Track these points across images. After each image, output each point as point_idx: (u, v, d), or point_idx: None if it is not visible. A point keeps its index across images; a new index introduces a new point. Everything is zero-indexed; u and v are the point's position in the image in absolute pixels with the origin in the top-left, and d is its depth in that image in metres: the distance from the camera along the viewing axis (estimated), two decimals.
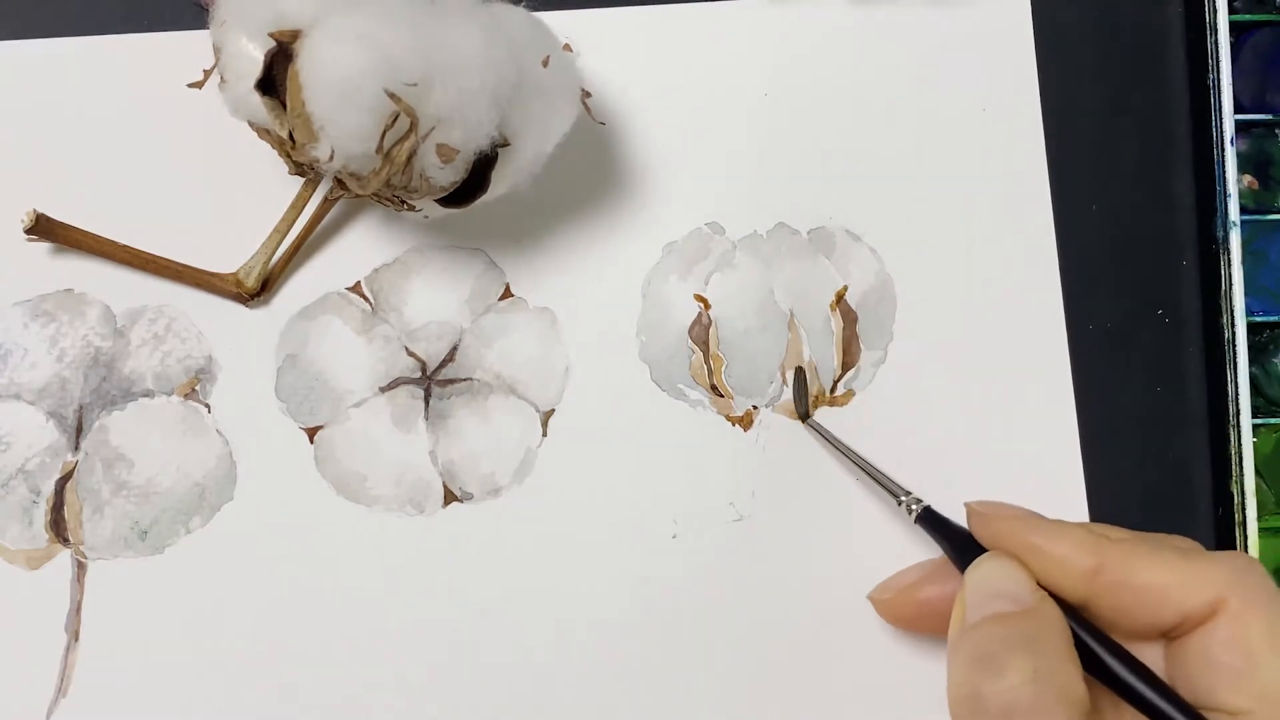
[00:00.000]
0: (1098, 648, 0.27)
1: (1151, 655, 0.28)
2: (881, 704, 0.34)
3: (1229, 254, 0.36)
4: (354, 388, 0.35)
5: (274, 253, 0.34)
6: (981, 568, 0.29)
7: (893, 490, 0.32)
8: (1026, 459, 0.35)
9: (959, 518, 0.31)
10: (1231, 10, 0.37)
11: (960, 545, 0.30)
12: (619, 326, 0.36)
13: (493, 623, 0.34)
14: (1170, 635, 0.27)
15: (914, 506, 0.32)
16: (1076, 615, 0.27)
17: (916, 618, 0.32)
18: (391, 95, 0.28)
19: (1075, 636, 0.27)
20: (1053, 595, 0.28)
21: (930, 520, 0.31)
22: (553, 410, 0.35)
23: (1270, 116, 0.37)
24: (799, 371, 0.35)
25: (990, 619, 0.27)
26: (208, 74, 0.33)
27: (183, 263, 0.35)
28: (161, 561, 0.34)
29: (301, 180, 0.33)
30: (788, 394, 0.35)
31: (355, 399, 0.35)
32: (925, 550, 0.34)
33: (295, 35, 0.29)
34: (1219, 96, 0.36)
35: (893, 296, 0.36)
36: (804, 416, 0.35)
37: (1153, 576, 0.27)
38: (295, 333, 0.35)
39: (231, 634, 0.33)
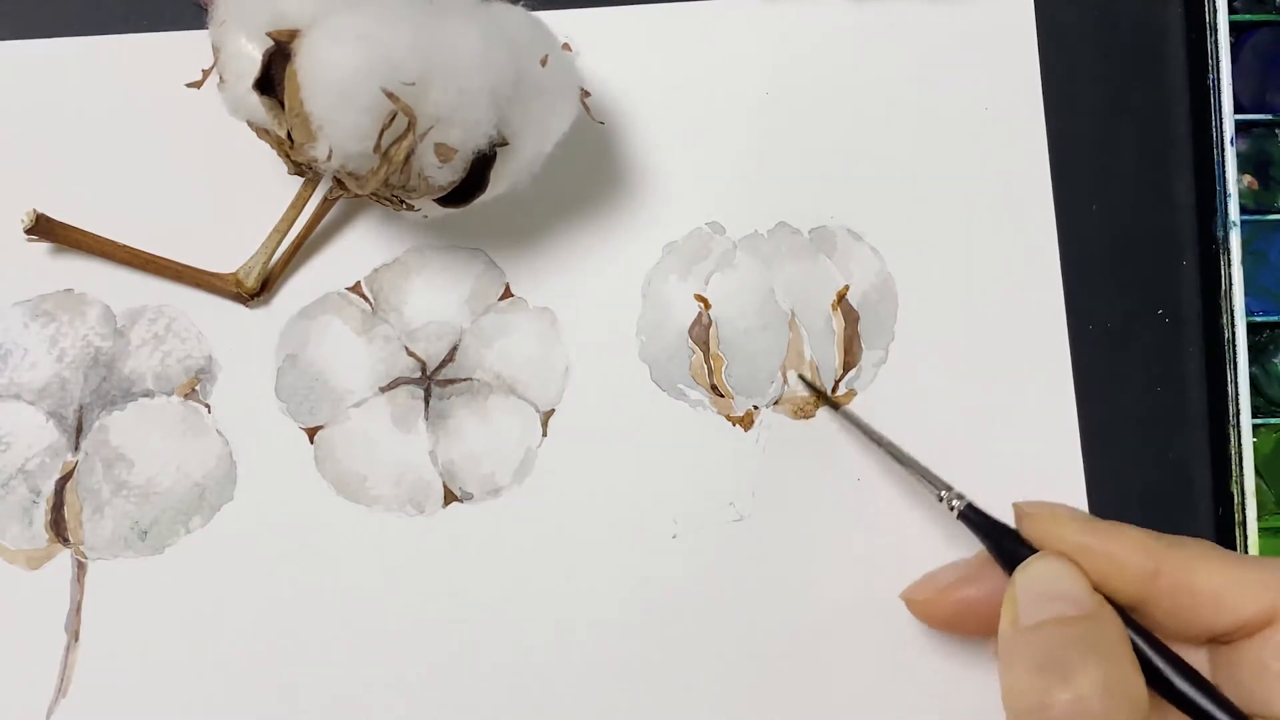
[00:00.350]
0: (1152, 653, 0.26)
1: (1196, 660, 0.27)
2: (882, 704, 0.34)
3: (1229, 254, 0.36)
4: (354, 388, 0.35)
5: (274, 253, 0.34)
6: (1033, 568, 0.28)
7: (934, 483, 0.31)
8: (1027, 459, 0.35)
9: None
10: (1231, 10, 0.37)
11: (1007, 545, 0.29)
12: (619, 326, 0.36)
13: (493, 623, 0.34)
14: (1220, 640, 0.27)
15: (955, 503, 0.30)
16: (1130, 619, 0.27)
17: (954, 618, 0.31)
18: (389, 95, 0.28)
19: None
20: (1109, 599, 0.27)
21: (973, 518, 0.30)
22: (553, 410, 0.35)
23: (1270, 116, 0.37)
24: (800, 376, 0.35)
25: (1053, 622, 0.26)
26: (206, 74, 0.33)
27: (183, 263, 0.35)
28: (161, 561, 0.34)
29: (301, 180, 0.33)
30: (789, 393, 0.35)
31: (355, 399, 0.35)
32: (926, 551, 0.34)
33: (293, 35, 0.29)
34: (1219, 96, 0.36)
35: (894, 296, 0.36)
36: (835, 405, 0.35)
37: (1211, 581, 0.26)
38: (295, 333, 0.35)
39: (231, 634, 0.34)
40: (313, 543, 0.34)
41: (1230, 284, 0.35)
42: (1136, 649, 0.26)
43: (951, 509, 0.31)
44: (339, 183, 0.31)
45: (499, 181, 0.31)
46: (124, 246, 0.34)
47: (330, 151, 0.29)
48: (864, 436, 0.34)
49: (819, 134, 0.37)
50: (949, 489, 0.31)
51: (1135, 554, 0.27)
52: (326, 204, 0.34)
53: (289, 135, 0.30)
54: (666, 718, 0.33)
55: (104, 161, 0.36)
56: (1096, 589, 0.27)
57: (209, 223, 0.35)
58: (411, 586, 0.34)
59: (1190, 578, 0.27)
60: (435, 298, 0.35)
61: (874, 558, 0.34)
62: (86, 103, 0.36)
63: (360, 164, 0.29)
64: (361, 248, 0.36)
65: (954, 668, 0.34)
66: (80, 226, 0.34)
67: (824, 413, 0.35)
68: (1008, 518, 0.30)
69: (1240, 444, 0.35)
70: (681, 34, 0.37)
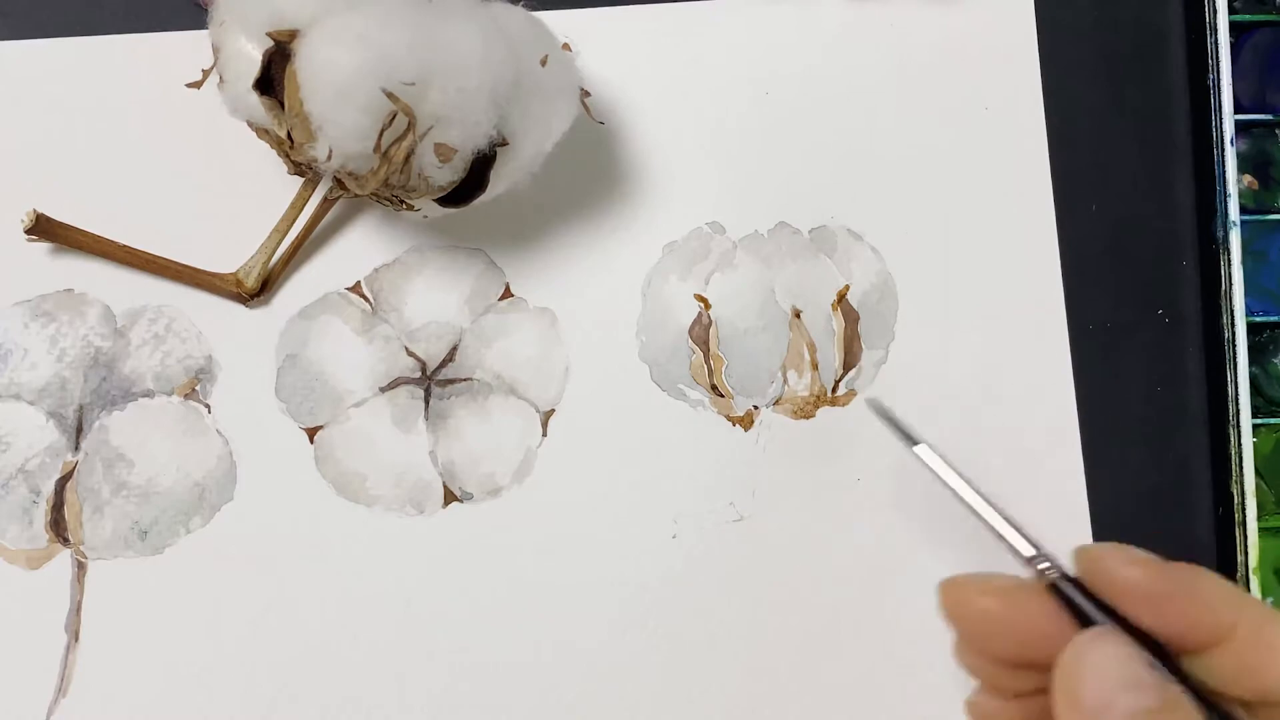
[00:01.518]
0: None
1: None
2: (881, 703, 0.34)
3: (1229, 254, 0.36)
4: (354, 388, 0.35)
5: (274, 253, 0.34)
6: (1100, 648, 0.25)
7: (1020, 550, 0.26)
8: (1027, 458, 0.35)
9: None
10: (1231, 10, 0.37)
11: (1088, 618, 0.25)
12: (619, 326, 0.36)
13: (493, 622, 0.34)
14: (1272, 704, 0.25)
15: (1049, 571, 0.25)
16: (1189, 679, 0.25)
17: (977, 625, 0.27)
18: (389, 95, 0.28)
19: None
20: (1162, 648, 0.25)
21: (1062, 593, 0.26)
22: (553, 410, 0.35)
23: (1270, 116, 0.37)
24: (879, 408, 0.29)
25: (1138, 716, 0.24)
26: (206, 74, 0.33)
27: (183, 263, 0.35)
28: (161, 561, 0.34)
29: (301, 180, 0.33)
30: (788, 393, 0.35)
31: (355, 399, 0.35)
32: (926, 551, 0.34)
33: (293, 35, 0.29)
34: (1219, 96, 0.36)
35: (894, 296, 0.36)
36: (913, 443, 0.28)
37: None
38: (295, 333, 0.35)
39: (231, 634, 0.34)
40: (313, 543, 0.34)
41: (1230, 284, 0.35)
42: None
43: (1043, 576, 0.26)
44: (339, 183, 0.31)
45: (499, 181, 0.31)
46: (124, 246, 0.34)
47: (330, 151, 0.29)
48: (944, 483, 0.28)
49: (819, 134, 0.37)
50: (1038, 549, 0.26)
51: (1220, 603, 0.25)
52: (326, 204, 0.34)
53: (289, 135, 0.30)
54: (667, 717, 0.33)
55: (104, 161, 0.36)
56: (1153, 635, 0.25)
57: (209, 223, 0.35)
58: (411, 586, 0.34)
59: (1271, 635, 0.25)
60: (435, 298, 0.35)
61: (874, 558, 0.34)
62: (86, 103, 0.36)
63: (360, 164, 0.29)
64: (361, 248, 0.36)
65: (954, 668, 0.34)
66: (80, 226, 0.34)
67: (824, 413, 0.35)
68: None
69: (1240, 444, 0.35)
70: (681, 34, 0.37)
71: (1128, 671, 0.24)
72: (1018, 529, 0.26)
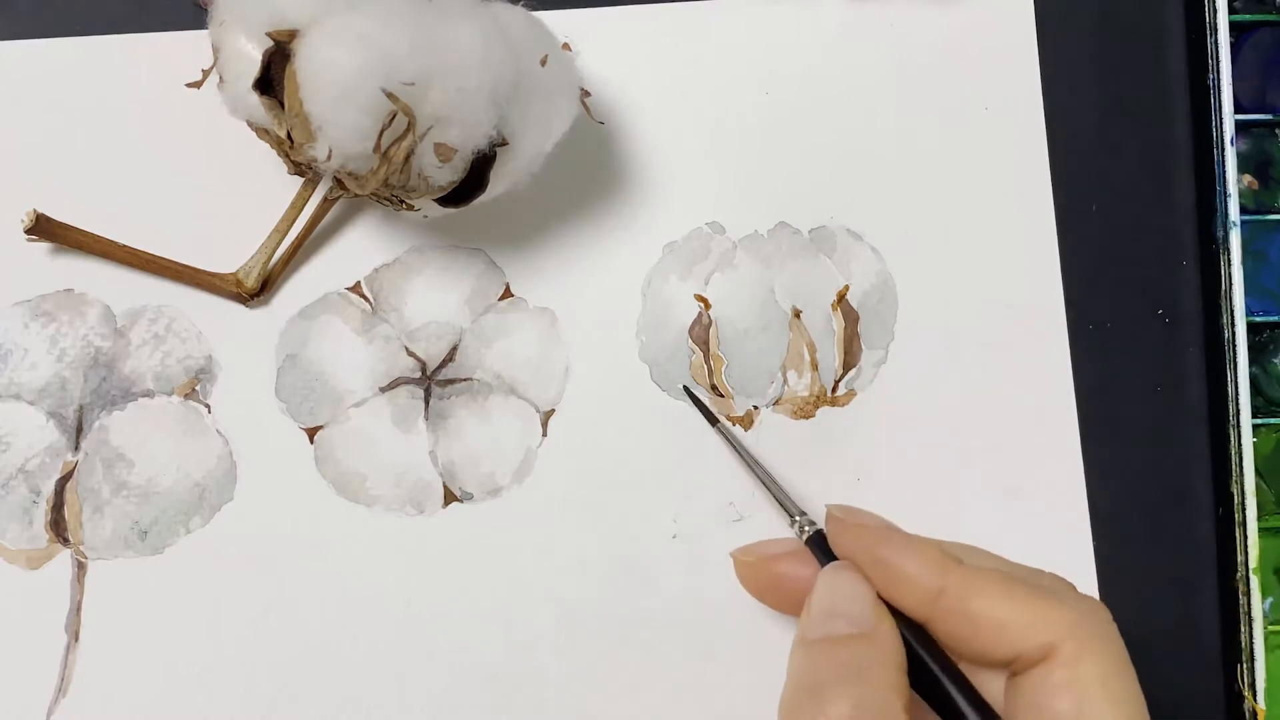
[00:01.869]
0: (940, 673, 0.26)
1: (994, 686, 0.27)
2: None
3: (1229, 254, 0.36)
4: (354, 388, 0.35)
5: (274, 253, 0.34)
6: (826, 578, 0.28)
7: (789, 509, 0.31)
8: (1026, 458, 0.35)
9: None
10: (1231, 10, 0.37)
11: (827, 550, 0.30)
12: (619, 326, 0.36)
13: (492, 622, 0.34)
14: (1010, 670, 0.27)
15: (807, 528, 0.30)
16: (921, 637, 0.27)
17: (771, 591, 0.31)
18: (389, 95, 0.28)
19: (916, 661, 0.26)
20: (898, 612, 0.27)
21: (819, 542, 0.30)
22: (553, 410, 0.35)
23: (1270, 116, 0.37)
24: (685, 389, 0.35)
25: (824, 641, 0.26)
26: (206, 74, 0.33)
27: (183, 263, 0.35)
28: (161, 561, 0.34)
29: (301, 180, 0.33)
30: (788, 393, 0.35)
31: (355, 399, 0.35)
32: None
33: (293, 35, 0.29)
34: (1219, 96, 0.36)
35: (894, 296, 0.36)
36: (713, 421, 0.34)
37: (990, 609, 0.26)
38: (295, 333, 0.35)
39: (231, 634, 0.34)
40: (313, 543, 0.34)
41: (1230, 284, 0.35)
42: (921, 668, 0.26)
43: (802, 534, 0.30)
44: (339, 183, 0.31)
45: (499, 181, 0.31)
46: (124, 246, 0.34)
47: (330, 151, 0.29)
48: (744, 457, 0.33)
49: (819, 134, 0.37)
50: (802, 514, 0.31)
51: (924, 571, 0.27)
52: (326, 204, 0.34)
53: (289, 135, 0.30)
54: (667, 717, 0.33)
55: (104, 161, 0.36)
56: (888, 602, 0.27)
57: (209, 223, 0.35)
58: (411, 587, 0.34)
59: (971, 603, 0.26)
60: (435, 298, 0.35)
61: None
62: (86, 103, 0.36)
63: (360, 164, 0.29)
64: (361, 248, 0.36)
65: None
66: (80, 226, 0.34)
67: (824, 413, 0.35)
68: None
69: (1240, 444, 0.35)
70: (681, 34, 0.37)
71: (838, 601, 0.27)
72: (785, 496, 0.32)
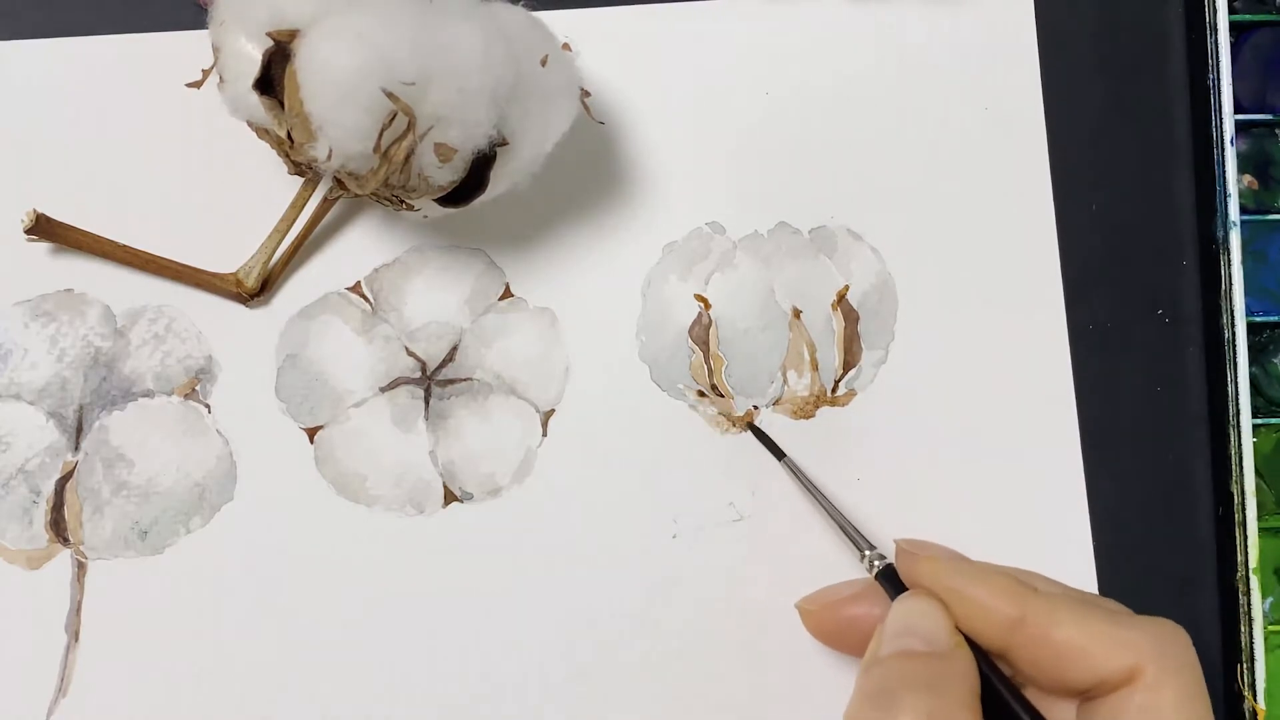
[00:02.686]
0: (1012, 700, 0.26)
1: (1064, 714, 0.27)
2: None
3: (1229, 254, 0.36)
4: (354, 388, 0.35)
5: (274, 253, 0.34)
6: (903, 604, 0.28)
7: (858, 544, 0.31)
8: (1026, 459, 0.35)
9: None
10: (1231, 10, 0.37)
11: (898, 584, 0.30)
12: (619, 326, 0.36)
13: (493, 622, 0.34)
14: (1086, 696, 0.27)
15: (876, 562, 0.31)
16: (993, 666, 0.27)
17: (840, 634, 0.32)
18: (389, 95, 0.28)
19: (988, 688, 0.26)
20: (973, 643, 0.27)
21: (890, 576, 0.30)
22: (553, 410, 0.35)
23: (1270, 116, 0.37)
24: (750, 425, 0.35)
25: (897, 655, 0.26)
26: (206, 74, 0.33)
27: (183, 263, 0.35)
28: (161, 561, 0.34)
29: (301, 180, 0.33)
30: (788, 393, 0.35)
31: (355, 399, 0.35)
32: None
33: (293, 35, 0.29)
34: (1219, 96, 0.36)
35: (894, 296, 0.36)
36: (779, 456, 0.34)
37: (1074, 635, 0.26)
38: (295, 333, 0.35)
39: (231, 634, 0.34)
40: (313, 543, 0.34)
41: (1230, 284, 0.35)
42: (993, 697, 0.26)
43: (872, 569, 0.31)
44: (339, 183, 0.31)
45: (499, 181, 0.31)
46: (124, 246, 0.34)
47: (330, 151, 0.29)
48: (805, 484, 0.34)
49: (819, 134, 0.37)
50: (872, 548, 0.31)
51: (1000, 600, 0.27)
52: (326, 204, 0.34)
53: (289, 135, 0.30)
54: (667, 717, 0.33)
55: (104, 161, 0.36)
56: (965, 633, 0.27)
57: (209, 223, 0.35)
58: (411, 586, 0.34)
59: (1052, 630, 0.26)
60: (435, 298, 0.35)
61: None
62: (86, 103, 0.36)
63: (360, 164, 0.29)
64: (362, 248, 0.36)
65: None
66: (80, 226, 0.34)
67: (824, 413, 0.35)
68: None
69: (1240, 444, 0.35)
70: (681, 34, 0.37)
71: (912, 622, 0.27)
72: (855, 530, 0.32)
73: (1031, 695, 0.27)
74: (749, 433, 0.35)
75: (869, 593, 0.31)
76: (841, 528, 0.32)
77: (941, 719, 0.24)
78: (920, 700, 0.25)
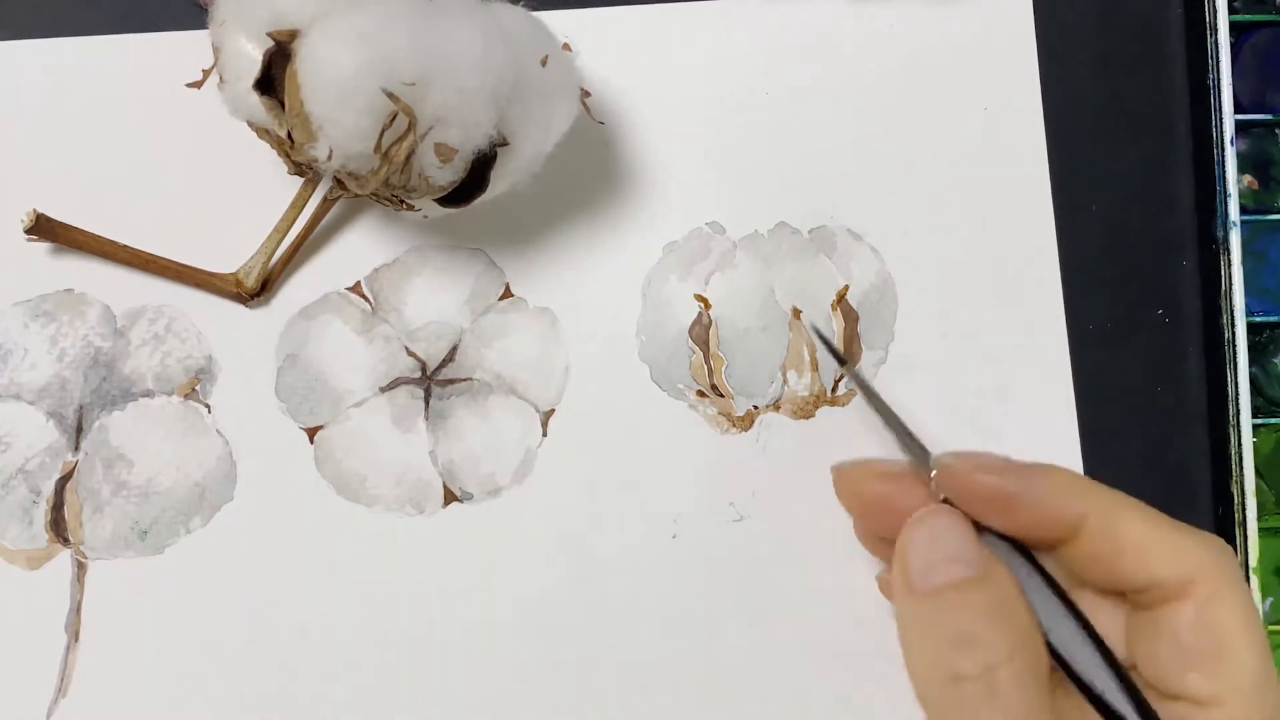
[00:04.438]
0: (1058, 598, 0.26)
1: (1113, 619, 0.27)
2: (881, 703, 0.34)
3: (1229, 254, 0.36)
4: (354, 388, 0.35)
5: (274, 253, 0.34)
6: (922, 523, 0.27)
7: (920, 457, 0.30)
8: (1026, 458, 0.35)
9: None
10: (1231, 10, 0.37)
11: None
12: (619, 326, 0.36)
13: (493, 623, 0.34)
14: (1136, 603, 0.26)
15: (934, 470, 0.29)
16: (1043, 572, 0.27)
17: (867, 508, 0.31)
18: (389, 95, 0.28)
19: (1041, 593, 0.26)
20: (1017, 544, 0.27)
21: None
22: (553, 410, 0.35)
23: (1270, 116, 0.37)
24: (814, 329, 0.35)
25: (954, 588, 0.26)
26: (206, 74, 0.33)
27: (183, 263, 0.35)
28: (161, 561, 0.34)
29: (301, 180, 0.33)
30: (788, 393, 0.35)
31: (355, 399, 0.35)
32: None
33: (293, 35, 0.29)
34: (1219, 96, 0.36)
35: (894, 296, 0.36)
36: (842, 361, 0.34)
37: (1138, 533, 0.26)
38: (295, 333, 0.35)
39: (231, 634, 0.34)
40: (313, 543, 0.34)
41: (1230, 284, 0.35)
42: (1047, 605, 0.26)
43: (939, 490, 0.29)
44: (339, 183, 0.31)
45: (499, 181, 0.31)
46: (124, 246, 0.34)
47: (330, 151, 0.29)
48: (869, 403, 0.32)
49: (819, 134, 0.37)
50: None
51: (1066, 496, 0.27)
52: (326, 204, 0.34)
53: (289, 135, 0.30)
54: (666, 717, 0.33)
55: (104, 161, 0.36)
56: (1013, 535, 0.27)
57: (209, 223, 0.35)
58: (411, 587, 0.34)
59: (1118, 525, 0.26)
60: (435, 298, 0.35)
61: (874, 558, 0.34)
62: (86, 103, 0.36)
63: (360, 164, 0.29)
64: (361, 248, 0.36)
65: None
66: (80, 226, 0.34)
67: (823, 413, 0.35)
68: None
69: (1240, 444, 0.35)
70: (681, 34, 0.37)
71: (950, 544, 0.26)
72: (920, 444, 0.30)
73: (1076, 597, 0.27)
74: (751, 429, 0.35)
75: (903, 480, 0.30)
76: (903, 445, 0.30)
77: (1021, 650, 0.24)
78: (1000, 637, 0.24)
